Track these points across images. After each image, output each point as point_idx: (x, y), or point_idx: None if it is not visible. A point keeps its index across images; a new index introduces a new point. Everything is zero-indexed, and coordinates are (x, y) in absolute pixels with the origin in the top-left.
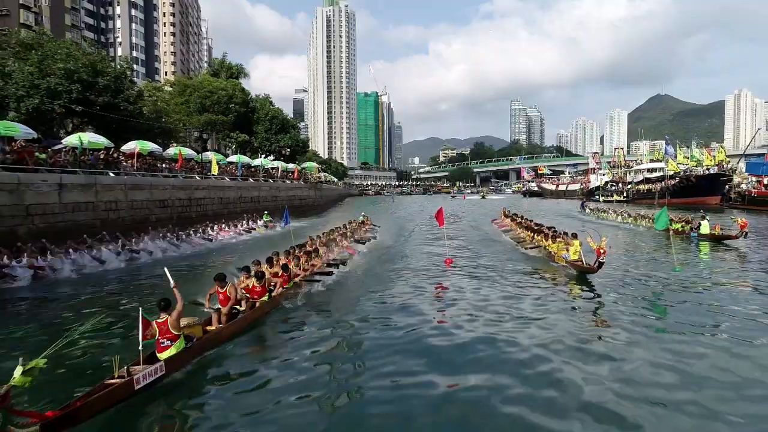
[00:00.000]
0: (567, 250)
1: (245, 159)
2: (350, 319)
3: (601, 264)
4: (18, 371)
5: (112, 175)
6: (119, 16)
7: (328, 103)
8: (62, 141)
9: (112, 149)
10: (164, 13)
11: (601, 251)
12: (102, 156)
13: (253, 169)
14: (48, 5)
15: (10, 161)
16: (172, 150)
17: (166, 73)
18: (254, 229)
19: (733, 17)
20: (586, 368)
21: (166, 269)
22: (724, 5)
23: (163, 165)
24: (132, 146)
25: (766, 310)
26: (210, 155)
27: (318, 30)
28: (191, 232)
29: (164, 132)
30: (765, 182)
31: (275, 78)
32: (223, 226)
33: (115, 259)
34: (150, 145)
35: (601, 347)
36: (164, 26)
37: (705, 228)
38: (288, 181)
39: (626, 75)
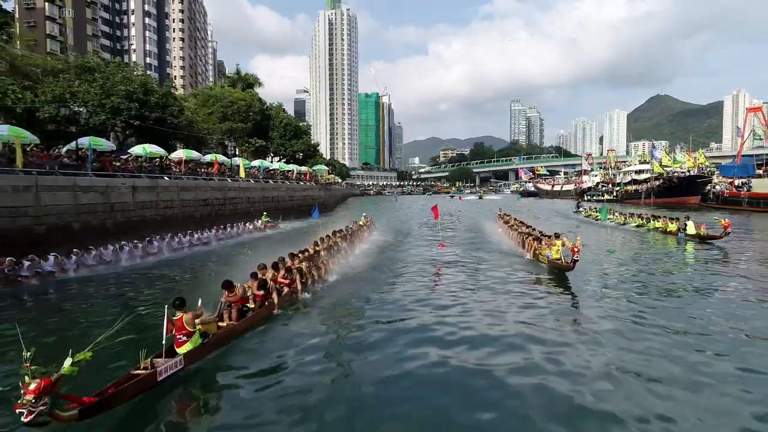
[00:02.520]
0: (549, 249)
1: (266, 163)
2: (355, 314)
3: (575, 262)
4: (67, 362)
5: (167, 179)
6: (134, 25)
7: (330, 104)
8: (128, 150)
9: (164, 157)
10: (174, 20)
11: (575, 250)
12: (157, 163)
13: (271, 172)
14: (72, 17)
15: (96, 168)
16: (209, 156)
17: (176, 77)
18: (253, 230)
19: (733, 18)
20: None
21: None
22: (723, 6)
23: (201, 170)
24: (180, 154)
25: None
26: (238, 161)
27: (320, 33)
28: (187, 234)
29: (196, 140)
30: (736, 183)
31: (276, 78)
32: (220, 227)
33: (116, 260)
34: (194, 154)
35: (567, 330)
36: (174, 32)
37: (691, 228)
38: (301, 183)
39: (626, 75)
